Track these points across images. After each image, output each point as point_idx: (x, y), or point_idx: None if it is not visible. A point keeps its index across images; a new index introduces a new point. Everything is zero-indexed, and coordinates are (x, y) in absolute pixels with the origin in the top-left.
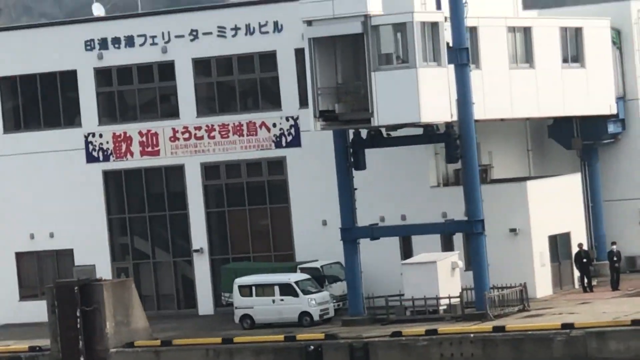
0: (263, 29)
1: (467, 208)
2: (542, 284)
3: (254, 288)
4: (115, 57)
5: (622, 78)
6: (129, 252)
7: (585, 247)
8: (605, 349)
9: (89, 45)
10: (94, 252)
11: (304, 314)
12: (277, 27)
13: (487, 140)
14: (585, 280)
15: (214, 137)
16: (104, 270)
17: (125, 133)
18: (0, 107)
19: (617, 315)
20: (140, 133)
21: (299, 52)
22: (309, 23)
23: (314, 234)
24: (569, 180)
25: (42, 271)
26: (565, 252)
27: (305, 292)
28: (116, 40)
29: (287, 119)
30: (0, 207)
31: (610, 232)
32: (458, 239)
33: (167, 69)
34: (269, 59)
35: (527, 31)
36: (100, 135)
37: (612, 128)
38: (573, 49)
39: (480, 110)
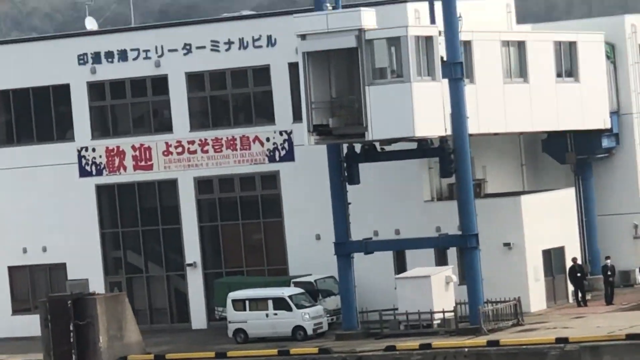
0: (256, 43)
1: (461, 222)
2: (536, 299)
3: (247, 302)
4: (109, 71)
5: (616, 92)
6: (122, 266)
7: (579, 262)
8: None
9: (82, 59)
10: (86, 266)
11: (298, 328)
12: (271, 42)
13: (481, 155)
14: (580, 295)
15: (207, 152)
16: (97, 285)
17: (118, 147)
18: None
19: (611, 330)
20: (133, 147)
21: (293, 67)
22: (303, 37)
23: (308, 248)
24: (563, 195)
25: (35, 285)
26: (559, 266)
27: (299, 307)
28: (109, 55)
29: (280, 133)
30: None
31: (604, 246)
32: (452, 253)
33: (160, 83)
34: (262, 73)
35: (521, 45)
36: (93, 150)
37: (606, 142)
38: (567, 64)
39: (474, 125)
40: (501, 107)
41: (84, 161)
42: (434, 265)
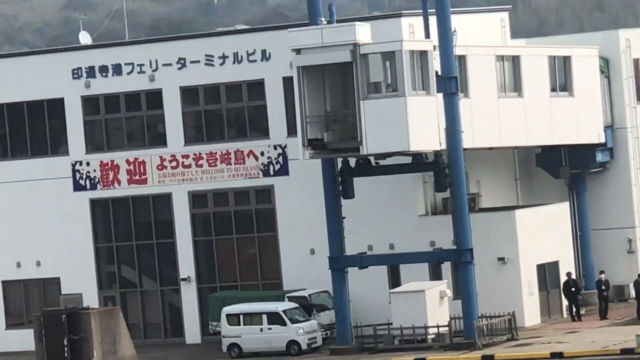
0: (251, 58)
1: (455, 237)
2: (531, 313)
3: (241, 317)
4: (103, 85)
5: (611, 107)
6: (116, 280)
7: (573, 276)
8: None
9: (76, 73)
10: (81, 280)
11: (292, 343)
12: (265, 56)
13: (475, 169)
14: (574, 309)
15: (201, 166)
16: (91, 299)
17: (112, 161)
18: None
19: (605, 344)
20: (127, 161)
21: (287, 81)
22: (298, 51)
23: (302, 262)
24: (557, 209)
25: (29, 300)
26: (553, 281)
27: (293, 321)
28: (103, 69)
29: (275, 148)
30: None
31: (599, 261)
32: (446, 267)
33: (154, 97)
34: (257, 87)
35: (515, 60)
36: (88, 164)
37: (600, 157)
38: (561, 78)
39: (469, 139)
40: (496, 121)
41: (78, 175)
42: (428, 279)
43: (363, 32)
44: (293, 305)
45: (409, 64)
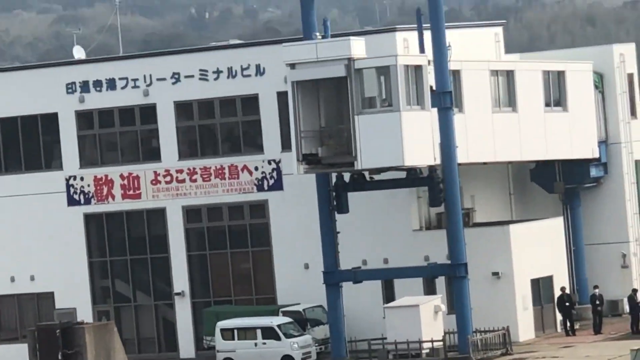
0: (245, 72)
1: (450, 251)
2: (525, 328)
3: (236, 331)
4: (97, 100)
5: (605, 122)
6: (110, 295)
7: (567, 291)
8: None
9: (70, 88)
10: (74, 295)
11: (287, 358)
12: (259, 70)
13: (470, 184)
14: (568, 324)
15: (195, 180)
16: (85, 313)
17: (106, 176)
18: None
19: (600, 359)
20: (121, 176)
21: (281, 95)
22: (292, 66)
23: (296, 277)
24: (551, 224)
25: (23, 314)
26: (547, 295)
27: (288, 336)
28: (98, 83)
29: (269, 162)
30: None
31: (593, 275)
32: (440, 282)
33: (148, 112)
34: (251, 102)
35: (509, 75)
36: (82, 178)
37: (594, 172)
38: (555, 93)
39: (463, 154)
40: (490, 136)
41: (72, 190)
42: (422, 294)
43: (358, 47)
44: (287, 319)
45: (403, 79)
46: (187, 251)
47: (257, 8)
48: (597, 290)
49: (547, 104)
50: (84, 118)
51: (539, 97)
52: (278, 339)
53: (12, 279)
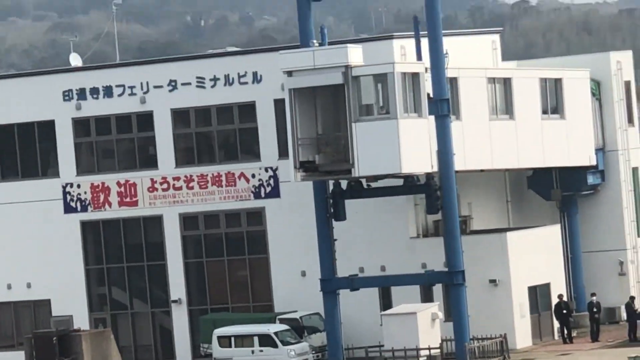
0: (242, 80)
1: (447, 259)
2: (522, 335)
3: (233, 339)
4: (94, 108)
5: (602, 129)
6: (106, 302)
7: (565, 298)
8: None
9: (67, 95)
10: (71, 302)
11: None
12: (256, 78)
13: (467, 192)
14: (565, 332)
15: (192, 188)
16: (82, 321)
17: (103, 183)
18: None
19: None
20: (118, 183)
21: (278, 103)
22: (289, 73)
23: (293, 284)
24: (548, 231)
25: (19, 322)
26: (545, 303)
27: (285, 343)
28: (94, 91)
29: (266, 170)
30: None
31: (590, 283)
32: (438, 290)
33: (145, 119)
34: (248, 109)
35: (507, 82)
36: (78, 186)
37: (591, 179)
38: (553, 100)
39: (461, 161)
40: (487, 143)
41: (68, 197)
42: (419, 301)
43: (355, 54)
44: (284, 327)
45: (400, 86)
46: (184, 258)
47: (253, 15)
48: (594, 298)
49: (544, 112)
50: (80, 125)
51: (536, 104)
52: (275, 346)
53: (9, 286)
